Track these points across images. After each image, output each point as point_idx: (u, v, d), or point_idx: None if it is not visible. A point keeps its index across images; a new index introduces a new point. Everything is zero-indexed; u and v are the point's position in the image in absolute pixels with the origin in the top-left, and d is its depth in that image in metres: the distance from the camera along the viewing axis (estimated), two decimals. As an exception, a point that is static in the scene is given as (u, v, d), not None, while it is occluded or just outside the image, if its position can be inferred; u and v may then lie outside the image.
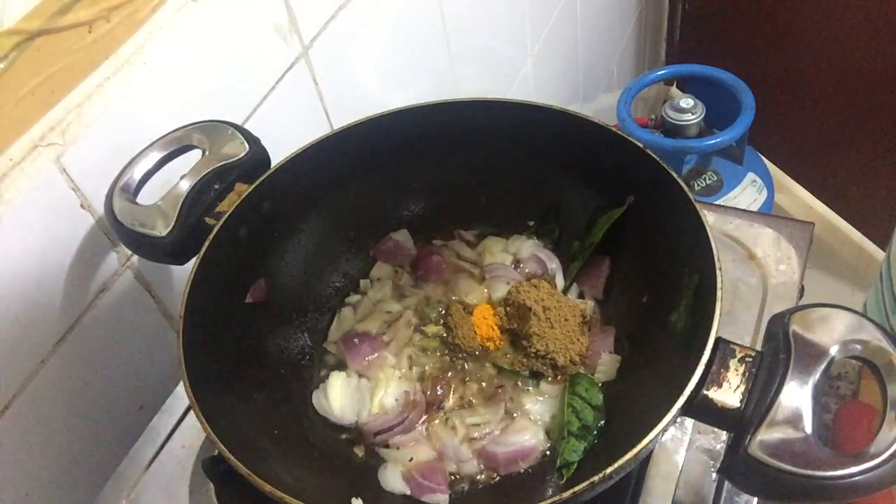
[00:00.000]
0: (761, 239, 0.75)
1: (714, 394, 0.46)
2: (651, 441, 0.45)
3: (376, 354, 0.65)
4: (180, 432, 0.67)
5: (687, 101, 1.51)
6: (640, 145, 0.59)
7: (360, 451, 0.61)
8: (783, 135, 1.86)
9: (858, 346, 0.46)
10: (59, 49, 0.56)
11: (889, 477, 0.42)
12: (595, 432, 0.57)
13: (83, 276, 0.64)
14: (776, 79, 1.81)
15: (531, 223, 0.72)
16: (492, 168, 0.70)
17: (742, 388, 0.46)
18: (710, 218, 0.56)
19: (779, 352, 0.46)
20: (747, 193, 1.57)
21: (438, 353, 0.65)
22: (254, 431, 0.57)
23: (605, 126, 0.62)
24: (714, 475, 0.59)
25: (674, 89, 1.97)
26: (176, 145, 0.62)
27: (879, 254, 1.82)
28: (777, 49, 1.82)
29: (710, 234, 0.53)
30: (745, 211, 0.79)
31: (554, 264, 0.69)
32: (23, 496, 0.63)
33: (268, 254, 0.66)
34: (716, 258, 0.52)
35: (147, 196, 0.60)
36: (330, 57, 0.83)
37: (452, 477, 0.59)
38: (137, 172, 0.60)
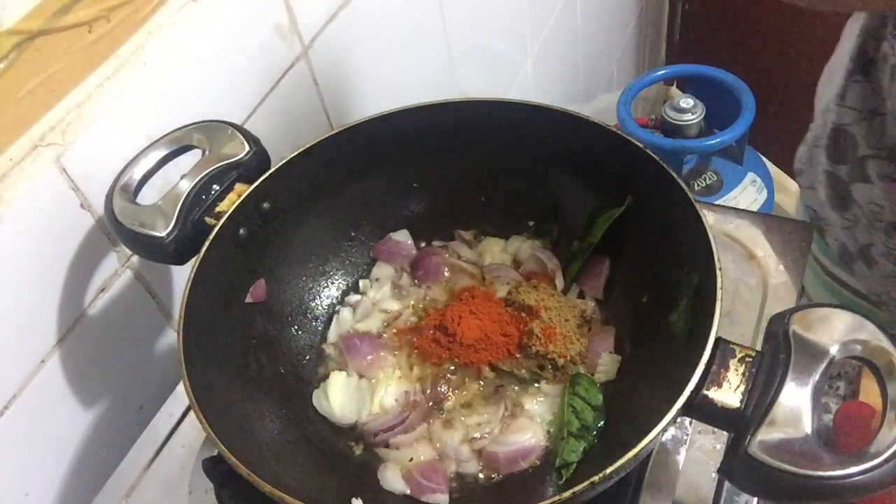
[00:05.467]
0: (761, 239, 0.75)
1: (714, 394, 0.46)
2: (651, 441, 0.45)
3: (376, 354, 0.65)
4: (180, 432, 0.67)
5: (687, 101, 1.51)
6: (641, 145, 0.59)
7: (359, 451, 0.61)
8: (783, 135, 1.86)
9: (858, 346, 0.46)
10: (59, 49, 0.56)
11: (889, 477, 0.42)
12: (595, 432, 0.57)
13: (83, 276, 0.64)
14: (776, 79, 1.81)
15: (531, 223, 0.72)
16: (492, 168, 0.70)
17: (742, 388, 0.46)
18: (710, 218, 0.56)
19: (779, 352, 0.46)
20: (747, 193, 1.57)
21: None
22: (254, 432, 0.57)
23: (605, 126, 0.62)
24: (714, 475, 0.59)
25: (674, 89, 1.97)
26: (176, 145, 0.62)
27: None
28: (777, 49, 1.81)
29: (710, 234, 0.53)
30: (745, 211, 0.79)
31: (553, 264, 0.69)
32: (23, 496, 0.63)
33: (268, 254, 0.66)
34: (716, 258, 0.52)
35: (147, 196, 0.60)
36: (330, 57, 0.83)
37: (452, 477, 0.59)
38: (137, 172, 0.60)
